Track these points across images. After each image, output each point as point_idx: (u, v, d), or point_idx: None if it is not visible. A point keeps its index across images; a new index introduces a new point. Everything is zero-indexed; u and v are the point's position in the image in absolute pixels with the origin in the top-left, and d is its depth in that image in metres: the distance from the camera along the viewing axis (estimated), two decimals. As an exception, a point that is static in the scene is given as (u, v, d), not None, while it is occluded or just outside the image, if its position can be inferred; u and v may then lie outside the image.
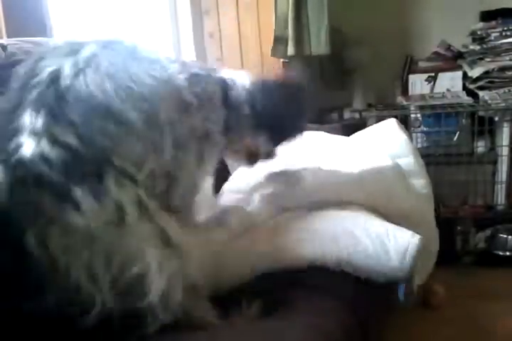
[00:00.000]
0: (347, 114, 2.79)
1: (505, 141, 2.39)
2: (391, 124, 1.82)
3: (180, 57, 1.22)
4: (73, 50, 0.92)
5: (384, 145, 1.73)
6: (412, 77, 2.64)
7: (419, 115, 2.49)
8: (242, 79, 1.23)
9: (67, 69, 0.87)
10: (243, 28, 2.53)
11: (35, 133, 0.80)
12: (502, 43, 2.42)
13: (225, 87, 1.19)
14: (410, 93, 2.62)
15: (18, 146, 0.79)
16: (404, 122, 2.28)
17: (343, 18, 2.69)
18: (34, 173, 0.77)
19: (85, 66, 0.89)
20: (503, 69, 2.39)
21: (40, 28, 1.51)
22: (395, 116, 1.96)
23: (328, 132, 2.18)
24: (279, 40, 2.41)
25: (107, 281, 0.78)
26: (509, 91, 2.39)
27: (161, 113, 0.93)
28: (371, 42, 2.75)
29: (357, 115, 2.71)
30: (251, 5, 2.49)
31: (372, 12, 2.83)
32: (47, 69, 0.87)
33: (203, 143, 1.06)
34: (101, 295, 0.77)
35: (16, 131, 0.81)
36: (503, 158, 2.40)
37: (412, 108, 2.48)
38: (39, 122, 0.81)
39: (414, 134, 2.46)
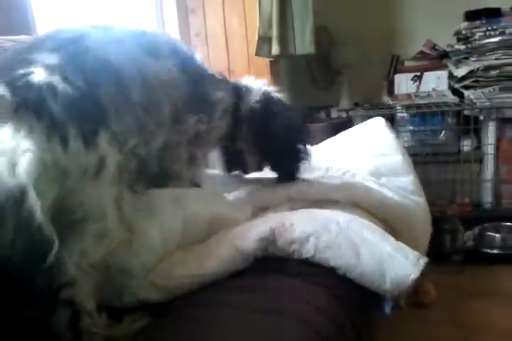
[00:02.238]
0: (334, 113, 2.79)
1: (491, 140, 2.40)
2: (378, 123, 1.83)
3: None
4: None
5: (371, 144, 1.73)
6: (397, 77, 2.65)
7: (405, 114, 2.49)
8: (256, 91, 1.33)
9: (92, 35, 0.94)
10: (229, 27, 2.52)
11: (47, 66, 0.82)
12: (486, 43, 2.44)
13: (237, 96, 1.29)
14: (396, 92, 2.63)
15: (28, 73, 0.80)
16: (391, 121, 2.29)
17: (330, 18, 2.70)
18: (37, 97, 0.78)
19: (109, 38, 0.98)
20: (487, 68, 2.41)
21: (24, 26, 1.49)
22: (382, 116, 1.96)
23: (316, 131, 2.19)
24: (263, 40, 2.40)
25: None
26: (494, 90, 2.41)
27: (163, 104, 1.02)
28: (358, 41, 2.77)
29: (344, 114, 2.72)
30: (237, 4, 2.48)
31: (359, 12, 2.84)
32: (69, 35, 0.94)
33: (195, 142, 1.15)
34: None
35: (28, 64, 0.82)
36: (489, 156, 2.41)
37: (398, 107, 2.49)
38: (54, 59, 0.84)
39: (400, 133, 2.47)
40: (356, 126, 1.98)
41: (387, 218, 1.44)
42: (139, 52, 1.02)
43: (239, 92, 1.32)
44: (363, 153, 1.71)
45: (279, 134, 1.34)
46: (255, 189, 1.39)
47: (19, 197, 0.76)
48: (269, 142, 1.34)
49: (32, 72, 0.80)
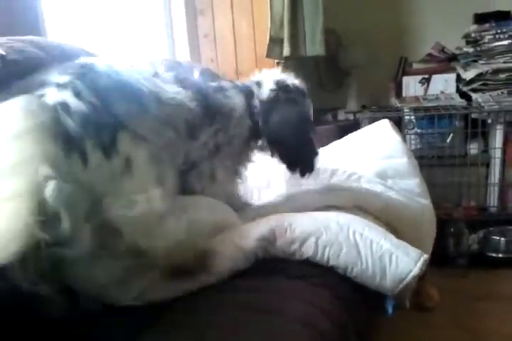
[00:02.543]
0: (341, 115, 2.79)
1: (498, 143, 2.39)
2: (384, 125, 1.83)
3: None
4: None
5: (378, 146, 1.73)
6: (406, 79, 2.64)
7: (412, 117, 2.49)
8: (268, 83, 1.31)
9: (100, 63, 0.98)
10: (238, 28, 2.52)
11: (58, 85, 0.87)
12: (496, 46, 2.43)
13: (249, 96, 1.28)
14: (404, 95, 2.62)
15: (41, 96, 0.85)
16: (398, 124, 2.28)
17: (339, 20, 2.69)
18: (52, 117, 0.81)
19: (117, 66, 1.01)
20: (496, 71, 2.40)
21: (33, 27, 1.50)
22: (389, 118, 1.95)
23: (323, 133, 2.19)
24: (274, 41, 2.40)
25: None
26: (502, 93, 2.40)
27: (178, 119, 1.06)
28: (366, 43, 2.76)
29: (351, 116, 2.72)
30: (246, 5, 2.49)
31: (368, 14, 2.84)
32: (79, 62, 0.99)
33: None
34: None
35: (41, 85, 0.87)
36: (496, 160, 2.40)
37: (406, 110, 2.49)
38: (65, 78, 0.89)
39: (407, 136, 2.46)
40: (363, 128, 1.98)
41: (391, 220, 1.44)
42: (146, 74, 1.06)
43: (250, 91, 1.30)
44: (369, 156, 1.71)
45: (293, 122, 1.30)
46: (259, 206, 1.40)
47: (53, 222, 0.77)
48: (285, 131, 1.30)
49: (44, 94, 0.85)
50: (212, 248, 1.02)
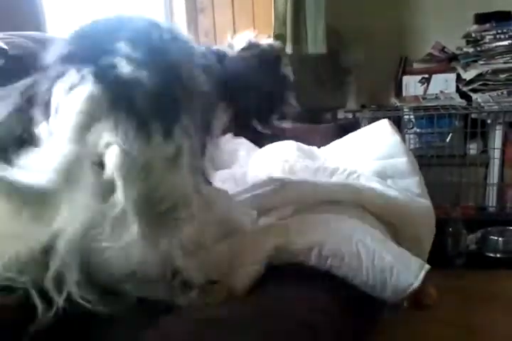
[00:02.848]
0: (341, 115, 2.79)
1: (498, 144, 2.39)
2: (384, 125, 1.83)
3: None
4: None
5: (377, 146, 1.73)
6: (405, 78, 2.64)
7: (412, 116, 2.49)
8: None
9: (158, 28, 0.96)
10: (238, 26, 2.52)
11: (130, 60, 0.84)
12: (496, 46, 2.43)
13: (221, 58, 1.23)
14: (404, 94, 2.63)
15: (113, 65, 0.82)
16: (398, 123, 2.28)
17: (340, 19, 2.69)
18: (128, 93, 0.81)
19: None
20: (496, 71, 2.40)
21: (34, 22, 1.50)
22: (389, 117, 1.96)
23: (322, 132, 2.19)
24: (278, 39, 2.40)
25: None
26: (502, 94, 2.40)
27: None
28: (366, 42, 2.76)
29: (350, 116, 2.72)
30: (246, 3, 2.49)
31: (369, 13, 2.83)
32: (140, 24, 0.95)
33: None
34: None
35: (110, 53, 0.84)
36: (495, 160, 2.41)
37: (406, 109, 2.49)
38: (136, 53, 0.85)
39: (407, 135, 2.47)
40: (363, 127, 1.99)
41: (391, 219, 1.44)
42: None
43: (223, 53, 1.26)
44: (369, 155, 1.71)
45: (256, 78, 1.25)
46: (260, 191, 1.39)
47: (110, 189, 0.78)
48: (246, 87, 1.24)
49: (117, 64, 0.83)
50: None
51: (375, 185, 1.53)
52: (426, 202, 1.59)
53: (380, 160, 1.67)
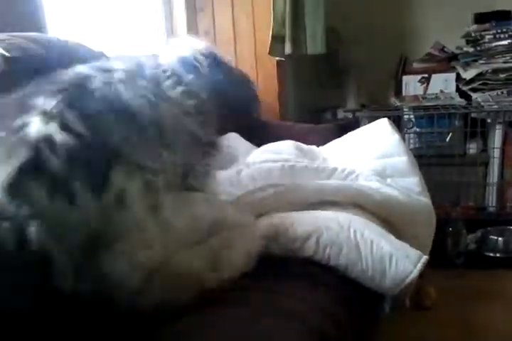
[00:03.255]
0: (340, 114, 2.79)
1: (497, 143, 2.40)
2: (383, 124, 1.83)
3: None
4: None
5: (377, 145, 1.73)
6: (405, 78, 2.64)
7: (412, 116, 2.49)
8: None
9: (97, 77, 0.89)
10: (238, 26, 2.52)
11: (45, 114, 0.77)
12: (496, 45, 2.43)
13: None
14: (404, 94, 2.63)
15: (24, 124, 0.76)
16: (397, 123, 2.28)
17: (339, 18, 2.69)
18: (34, 155, 0.73)
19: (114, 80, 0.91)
20: (496, 71, 2.40)
21: (34, 23, 1.50)
22: (388, 117, 1.96)
23: (322, 132, 2.20)
24: (277, 39, 2.40)
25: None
26: (502, 93, 2.40)
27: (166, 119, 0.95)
28: (366, 42, 2.76)
29: (350, 115, 2.72)
30: (246, 3, 2.48)
31: (368, 12, 2.83)
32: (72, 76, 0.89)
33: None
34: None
35: (27, 110, 0.78)
36: (495, 159, 2.41)
37: (405, 109, 2.49)
38: (52, 104, 0.79)
39: (406, 135, 2.47)
40: (362, 127, 1.99)
41: (390, 218, 1.44)
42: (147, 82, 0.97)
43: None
44: (368, 154, 1.71)
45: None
46: (258, 193, 1.39)
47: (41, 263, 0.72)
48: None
49: (29, 123, 0.76)
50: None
51: (375, 184, 1.53)
52: (426, 201, 1.59)
53: (380, 159, 1.67)
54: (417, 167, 1.69)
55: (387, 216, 1.44)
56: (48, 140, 0.75)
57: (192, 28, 2.53)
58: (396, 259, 1.07)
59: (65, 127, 0.76)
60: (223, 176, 1.54)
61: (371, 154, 1.70)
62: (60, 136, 0.75)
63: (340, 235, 1.11)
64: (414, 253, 1.11)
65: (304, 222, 1.15)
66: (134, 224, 0.80)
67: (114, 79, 0.91)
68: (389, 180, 1.60)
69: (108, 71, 0.94)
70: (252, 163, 1.66)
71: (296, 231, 1.10)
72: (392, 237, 1.16)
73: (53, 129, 0.76)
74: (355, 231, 1.12)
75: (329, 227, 1.13)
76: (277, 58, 2.45)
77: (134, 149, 0.83)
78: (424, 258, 1.09)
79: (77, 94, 0.83)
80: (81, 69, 0.93)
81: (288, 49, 2.36)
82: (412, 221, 1.49)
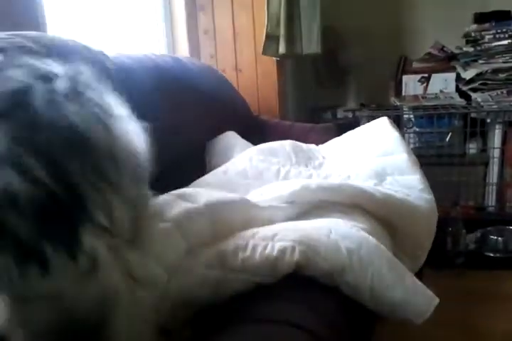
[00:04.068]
0: (340, 114, 2.79)
1: (497, 143, 2.40)
2: (383, 122, 1.83)
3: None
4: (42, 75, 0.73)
5: (376, 143, 1.73)
6: (405, 78, 2.64)
7: (411, 116, 2.49)
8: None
9: (37, 91, 0.67)
10: (238, 25, 2.52)
11: None
12: (495, 45, 2.43)
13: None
14: (403, 93, 2.63)
15: None
16: (397, 123, 2.28)
17: (338, 18, 2.69)
18: None
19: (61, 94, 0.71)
20: (496, 71, 2.40)
21: (34, 22, 1.49)
22: (388, 117, 1.96)
23: (322, 131, 2.20)
24: (271, 38, 2.40)
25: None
26: (502, 93, 2.41)
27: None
28: (366, 42, 2.76)
29: (350, 115, 2.72)
30: (246, 2, 2.48)
31: (367, 12, 2.84)
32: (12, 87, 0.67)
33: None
34: None
35: None
36: (495, 159, 2.41)
37: (405, 108, 2.49)
38: (1, 144, 0.58)
39: (406, 135, 2.47)
40: (362, 126, 1.99)
41: (388, 216, 1.43)
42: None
43: None
44: (368, 152, 1.71)
45: None
46: (258, 191, 1.39)
47: None
48: None
49: None
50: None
51: (371, 185, 1.53)
52: (430, 197, 1.57)
53: (380, 157, 1.67)
54: (418, 164, 1.69)
55: (386, 216, 1.44)
56: (7, 194, 0.56)
57: (192, 27, 2.53)
58: (405, 309, 1.08)
59: (23, 174, 0.58)
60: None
61: (371, 152, 1.70)
62: (19, 187, 0.57)
63: (359, 278, 1.05)
64: (424, 302, 1.09)
65: (326, 256, 1.06)
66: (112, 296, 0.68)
67: (57, 93, 0.70)
68: (389, 179, 1.60)
69: (48, 79, 0.72)
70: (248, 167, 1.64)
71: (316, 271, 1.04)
72: (408, 278, 1.11)
73: (11, 178, 0.57)
74: (373, 273, 1.06)
75: (351, 267, 1.05)
76: (274, 58, 2.45)
77: (93, 195, 0.66)
78: (435, 301, 1.09)
79: (22, 122, 0.62)
80: (16, 75, 0.70)
81: (282, 49, 2.36)
82: (411, 220, 1.49)
